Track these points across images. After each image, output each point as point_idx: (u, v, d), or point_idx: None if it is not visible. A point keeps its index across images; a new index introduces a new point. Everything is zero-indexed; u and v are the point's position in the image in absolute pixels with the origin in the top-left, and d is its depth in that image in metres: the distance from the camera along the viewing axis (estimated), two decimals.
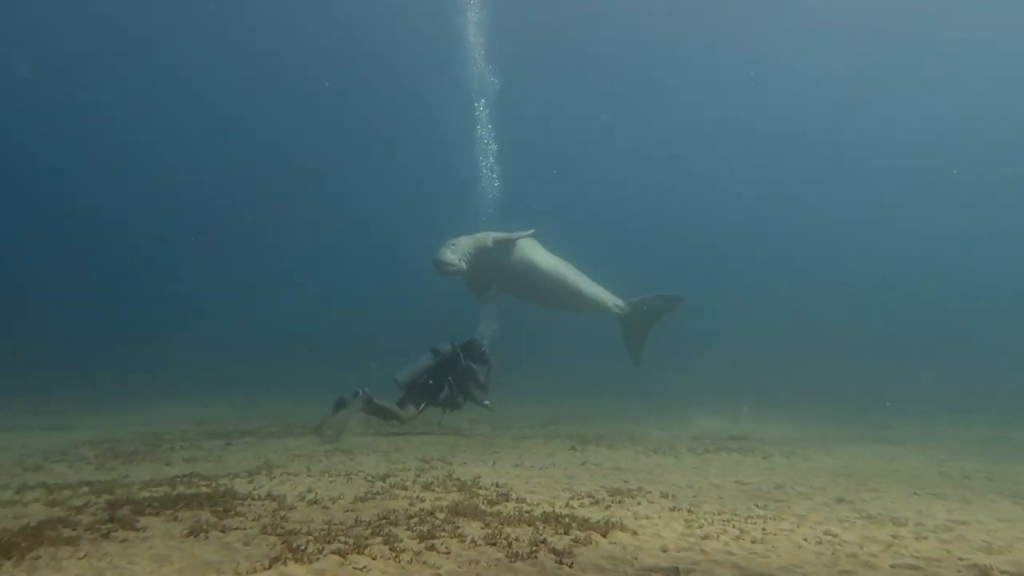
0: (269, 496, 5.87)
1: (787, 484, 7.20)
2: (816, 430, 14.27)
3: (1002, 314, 38.12)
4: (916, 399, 20.60)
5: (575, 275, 15.54)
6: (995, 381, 23.50)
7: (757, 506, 5.99)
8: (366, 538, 4.43)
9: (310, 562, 3.96)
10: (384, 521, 4.94)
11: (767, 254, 47.44)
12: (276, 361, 32.64)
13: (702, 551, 4.39)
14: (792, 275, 43.90)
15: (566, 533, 4.67)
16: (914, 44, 47.91)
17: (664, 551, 4.38)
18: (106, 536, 4.50)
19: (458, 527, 4.78)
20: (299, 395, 20.98)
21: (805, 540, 4.74)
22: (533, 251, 14.84)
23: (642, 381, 21.22)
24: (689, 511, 5.64)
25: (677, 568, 4.00)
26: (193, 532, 4.60)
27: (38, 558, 4.03)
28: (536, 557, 4.13)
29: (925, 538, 4.96)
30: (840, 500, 6.40)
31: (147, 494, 5.91)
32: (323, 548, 4.20)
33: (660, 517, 5.37)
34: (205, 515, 5.09)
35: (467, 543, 4.40)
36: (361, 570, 3.87)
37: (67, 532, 4.56)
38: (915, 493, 6.99)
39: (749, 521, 5.31)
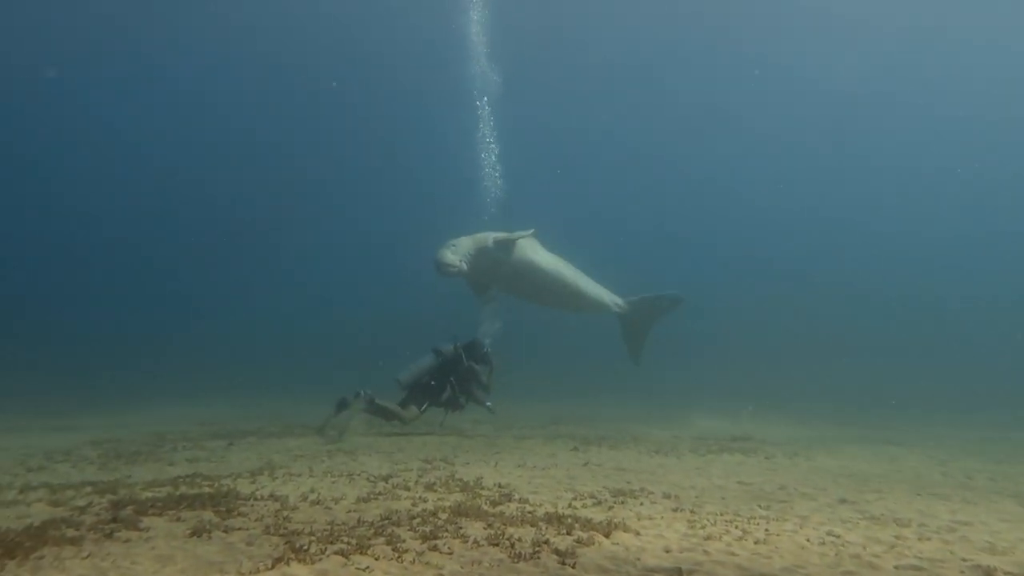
0: (272, 496, 5.87)
1: (790, 485, 7.20)
2: (818, 431, 14.26)
3: (1002, 314, 38.14)
4: (917, 399, 20.61)
5: (575, 274, 15.53)
6: (995, 381, 23.51)
7: (760, 507, 5.98)
8: (369, 538, 4.43)
9: (313, 562, 3.95)
10: (387, 521, 4.94)
11: (767, 254, 47.46)
12: (276, 361, 32.67)
13: (705, 552, 4.38)
14: (792, 275, 43.90)
15: (569, 534, 4.66)
16: (913, 44, 47.96)
17: (667, 552, 4.37)
18: (109, 536, 4.49)
19: (461, 527, 4.77)
20: (299, 395, 20.98)
21: (808, 541, 4.74)
22: (533, 251, 14.82)
23: (643, 381, 21.22)
24: (692, 512, 5.63)
25: (680, 569, 4.00)
26: (196, 532, 4.60)
27: (42, 558, 4.03)
28: (539, 558, 4.12)
29: (928, 539, 4.96)
30: (843, 501, 6.39)
31: (150, 494, 5.91)
32: (326, 548, 4.19)
33: (663, 518, 5.37)
34: (208, 515, 5.09)
35: (470, 543, 4.39)
36: (364, 570, 3.87)
37: (71, 532, 4.56)
38: (918, 494, 6.99)
39: (752, 522, 5.30)
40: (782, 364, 27.85)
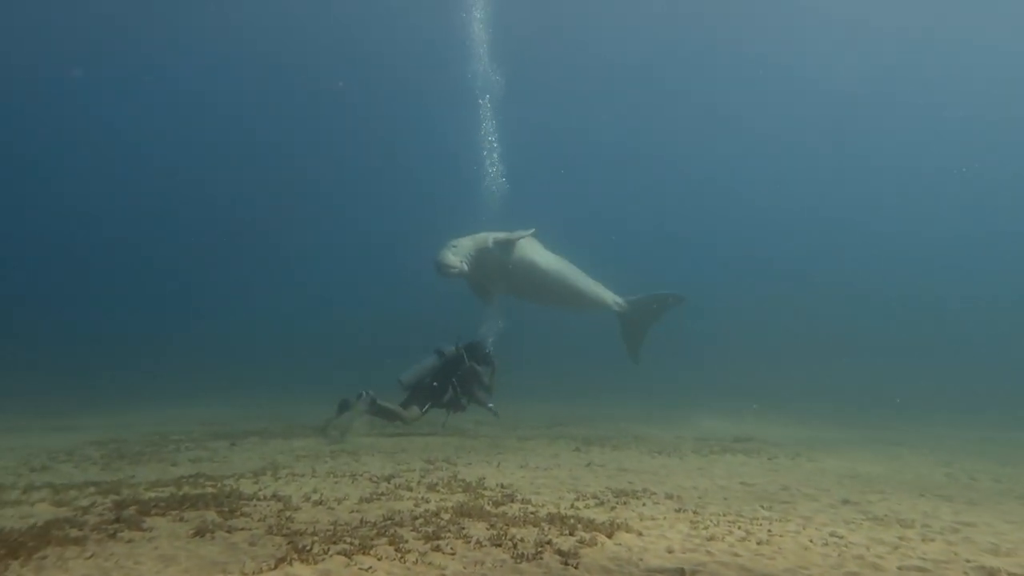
0: (274, 497, 5.86)
1: (793, 485, 7.18)
2: (819, 431, 14.25)
3: (1002, 314, 38.18)
4: (917, 400, 20.62)
5: (575, 273, 15.55)
6: (995, 381, 23.51)
7: (763, 507, 5.97)
8: (371, 539, 4.42)
9: (316, 563, 3.95)
10: (389, 522, 4.93)
11: (767, 254, 47.51)
12: (276, 361, 32.68)
13: (708, 552, 4.37)
14: (792, 275, 43.94)
15: (571, 534, 4.66)
16: (913, 44, 47.99)
17: (670, 552, 4.36)
18: (112, 536, 4.49)
19: (463, 528, 4.77)
20: (299, 395, 21.01)
21: (811, 542, 4.73)
22: (534, 251, 14.84)
23: (643, 381, 21.26)
24: (694, 512, 5.62)
25: (683, 569, 3.99)
26: (199, 532, 4.59)
27: (45, 558, 4.02)
28: (541, 558, 4.12)
29: (932, 540, 4.95)
30: (846, 502, 6.38)
31: (153, 494, 5.90)
32: (328, 549, 4.19)
33: (665, 518, 5.36)
34: (211, 515, 5.08)
35: (472, 544, 4.39)
36: (366, 571, 3.86)
37: (74, 532, 4.55)
38: (921, 495, 6.97)
39: (755, 522, 5.29)
40: (782, 364, 27.87)
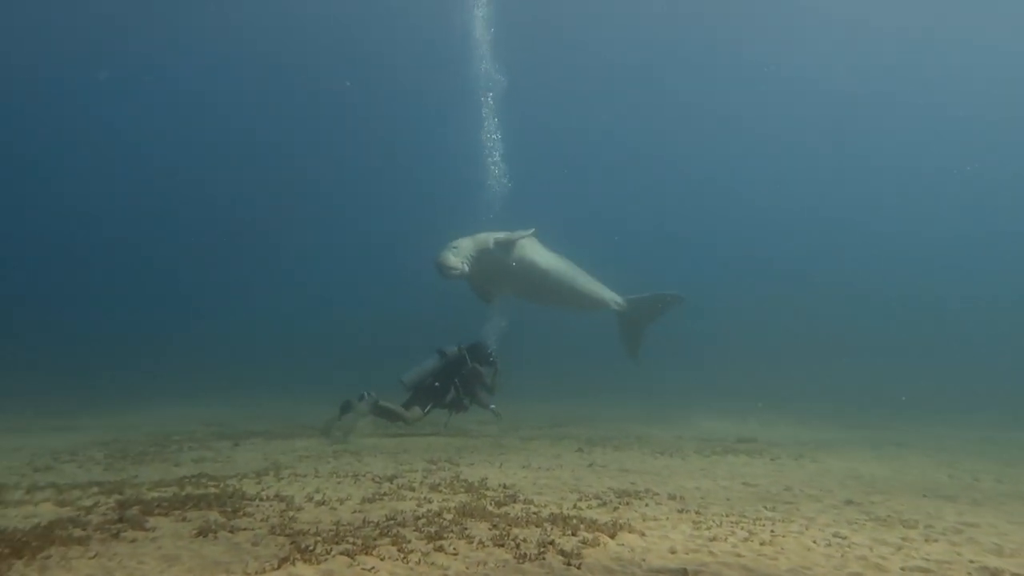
0: (277, 497, 5.87)
1: (795, 486, 7.18)
2: (821, 431, 14.25)
3: (1002, 314, 38.19)
4: (917, 400, 20.61)
5: (575, 273, 15.54)
6: (995, 381, 23.51)
7: (765, 508, 5.97)
8: (374, 539, 4.42)
9: (318, 563, 3.95)
10: (392, 522, 4.93)
11: (767, 254, 47.51)
12: (276, 361, 32.68)
13: (710, 553, 4.37)
14: (792, 275, 43.94)
15: (574, 534, 4.66)
16: (913, 45, 48.00)
17: (672, 553, 4.37)
18: (116, 536, 4.49)
19: (466, 528, 4.77)
20: (299, 395, 21.01)
21: (814, 542, 4.73)
22: (534, 251, 14.82)
23: (643, 381, 21.24)
24: (697, 513, 5.62)
25: (685, 570, 4.00)
26: (202, 532, 4.59)
27: (49, 557, 4.03)
28: (544, 558, 4.12)
29: (935, 540, 4.95)
30: (849, 502, 6.38)
31: (156, 494, 5.91)
32: (331, 549, 4.19)
33: (668, 519, 5.36)
34: (214, 515, 5.08)
35: (475, 544, 4.39)
36: (369, 571, 3.86)
37: (77, 532, 4.56)
38: (924, 495, 6.97)
39: (757, 523, 5.29)
40: (782, 364, 27.87)
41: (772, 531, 5.02)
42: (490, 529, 4.77)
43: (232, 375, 27.17)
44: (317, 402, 15.60)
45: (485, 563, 4.03)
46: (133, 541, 4.41)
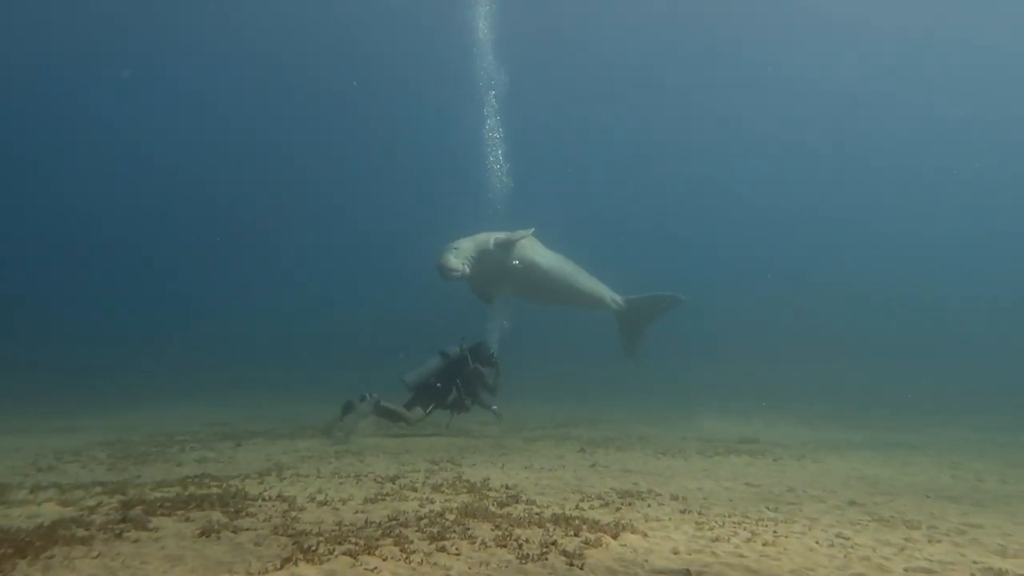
0: (280, 497, 5.87)
1: (798, 487, 7.18)
2: (823, 432, 14.25)
3: (1002, 314, 38.17)
4: (917, 400, 20.60)
5: (575, 272, 15.55)
6: (995, 381, 23.49)
7: (768, 509, 5.96)
8: (376, 539, 4.43)
9: (321, 563, 3.95)
10: (394, 522, 4.94)
11: (767, 254, 47.48)
12: (276, 361, 32.67)
13: (713, 554, 4.37)
14: (792, 275, 43.92)
15: (576, 535, 4.66)
16: (913, 45, 48.01)
17: (675, 553, 4.36)
18: (119, 536, 4.50)
19: (468, 528, 4.77)
20: (299, 395, 21.01)
21: (817, 543, 4.73)
22: (534, 251, 14.82)
23: (644, 381, 21.22)
24: (700, 513, 5.62)
25: (688, 570, 4.00)
26: (205, 532, 4.60)
27: (52, 557, 4.03)
28: (546, 559, 4.12)
29: (938, 541, 4.95)
30: (852, 503, 6.37)
31: (159, 494, 5.91)
32: (334, 549, 4.20)
33: (670, 519, 5.36)
34: (217, 516, 5.09)
35: (477, 544, 4.39)
36: (372, 571, 3.87)
37: (80, 532, 4.57)
38: (927, 496, 6.96)
39: (760, 524, 5.29)
40: (782, 364, 27.85)
41: (775, 532, 5.02)
42: (492, 529, 4.77)
43: (232, 375, 27.16)
44: (318, 402, 15.59)
45: (487, 563, 4.03)
46: (136, 541, 4.42)
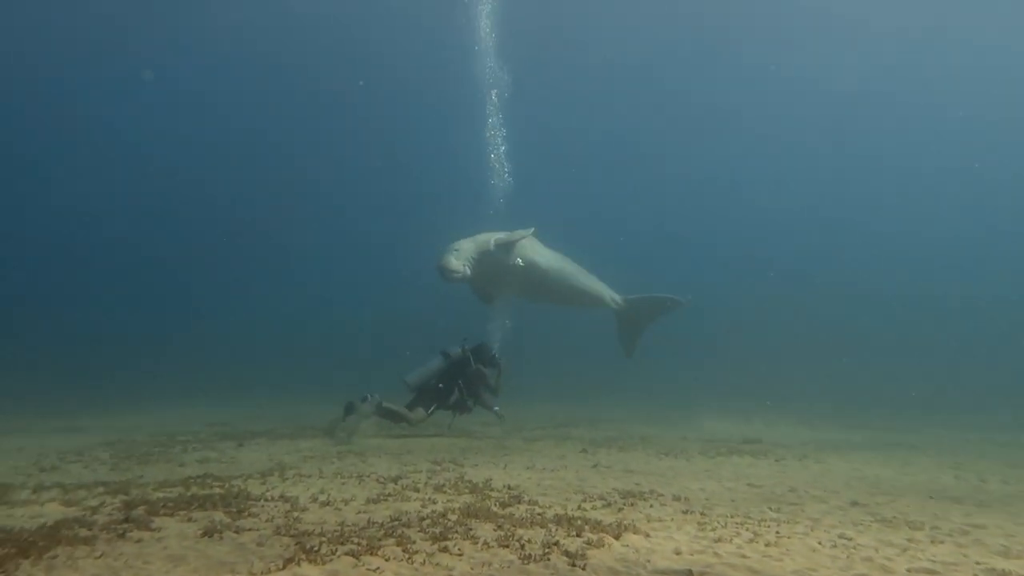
0: (282, 497, 5.88)
1: (800, 487, 7.18)
2: (824, 432, 14.26)
3: (1002, 314, 38.16)
4: (918, 400, 20.61)
5: (575, 271, 15.55)
6: (996, 381, 23.50)
7: (770, 509, 5.96)
8: (379, 539, 4.43)
9: (323, 563, 3.96)
10: (396, 523, 4.93)
11: (767, 254, 47.46)
12: (276, 361, 32.67)
13: (715, 554, 4.37)
14: (792, 275, 43.93)
15: (578, 535, 4.66)
16: (913, 45, 47.98)
17: (677, 554, 4.36)
18: (122, 536, 4.51)
19: (470, 529, 4.77)
20: (299, 395, 21.03)
21: (819, 544, 4.72)
22: (534, 251, 14.80)
23: (645, 381, 21.25)
24: (702, 514, 5.62)
25: (691, 571, 3.99)
26: (207, 533, 4.61)
27: (55, 557, 4.04)
28: (549, 559, 4.12)
29: (941, 542, 4.94)
30: (854, 503, 6.37)
31: (161, 495, 5.93)
32: (336, 549, 4.20)
33: (673, 520, 5.36)
34: (219, 516, 5.10)
35: (480, 545, 4.40)
36: (374, 571, 3.87)
37: (83, 532, 4.57)
38: (930, 496, 6.95)
39: (762, 524, 5.29)
40: (782, 364, 27.86)
41: (777, 532, 5.02)
42: (495, 530, 4.77)
43: (232, 375, 27.18)
44: (319, 403, 15.61)
45: (490, 564, 4.03)
46: (139, 541, 4.42)
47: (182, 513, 5.15)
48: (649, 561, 4.16)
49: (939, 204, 51.56)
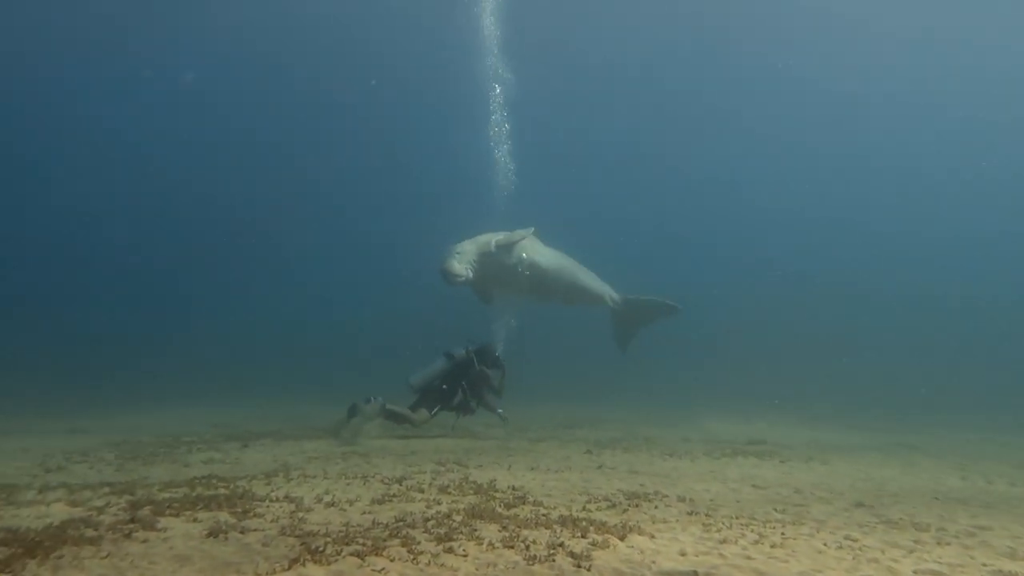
0: (287, 498, 5.88)
1: (805, 489, 7.18)
2: (826, 433, 14.26)
3: (1002, 314, 38.18)
4: (921, 401, 20.62)
5: (575, 269, 15.56)
6: (996, 382, 23.51)
7: (776, 510, 5.95)
8: (384, 540, 4.42)
9: (329, 563, 3.96)
10: (401, 523, 4.93)
11: (767, 254, 47.50)
12: (276, 361, 32.66)
13: (720, 555, 4.37)
14: (793, 275, 43.95)
15: (583, 536, 4.65)
16: (914, 45, 48.01)
17: (682, 555, 4.36)
18: (127, 536, 4.50)
19: (475, 530, 4.77)
20: (300, 396, 21.02)
21: (825, 545, 4.72)
22: (535, 250, 14.80)
23: (649, 382, 21.26)
24: (707, 515, 5.62)
25: (696, 572, 3.99)
26: (213, 533, 4.60)
27: (61, 557, 4.04)
28: (554, 560, 4.11)
29: (948, 544, 4.94)
30: (860, 505, 6.36)
31: (167, 495, 5.92)
32: (341, 550, 4.19)
33: (677, 521, 5.35)
34: (224, 516, 5.10)
35: (484, 546, 4.39)
36: (379, 572, 3.86)
37: (89, 532, 4.57)
38: (936, 498, 6.95)
39: (768, 525, 5.28)
40: (783, 365, 27.87)
41: (783, 534, 5.02)
42: (500, 531, 4.76)
43: (232, 376, 27.16)
44: (320, 403, 15.61)
45: (495, 564, 4.03)
46: (145, 541, 4.41)
47: (187, 513, 5.15)
48: (654, 562, 4.16)
49: (939, 204, 51.58)
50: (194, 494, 5.95)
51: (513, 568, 3.98)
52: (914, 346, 33.71)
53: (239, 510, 5.28)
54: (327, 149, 52.18)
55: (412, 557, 4.11)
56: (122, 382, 23.84)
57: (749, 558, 4.32)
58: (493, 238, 14.19)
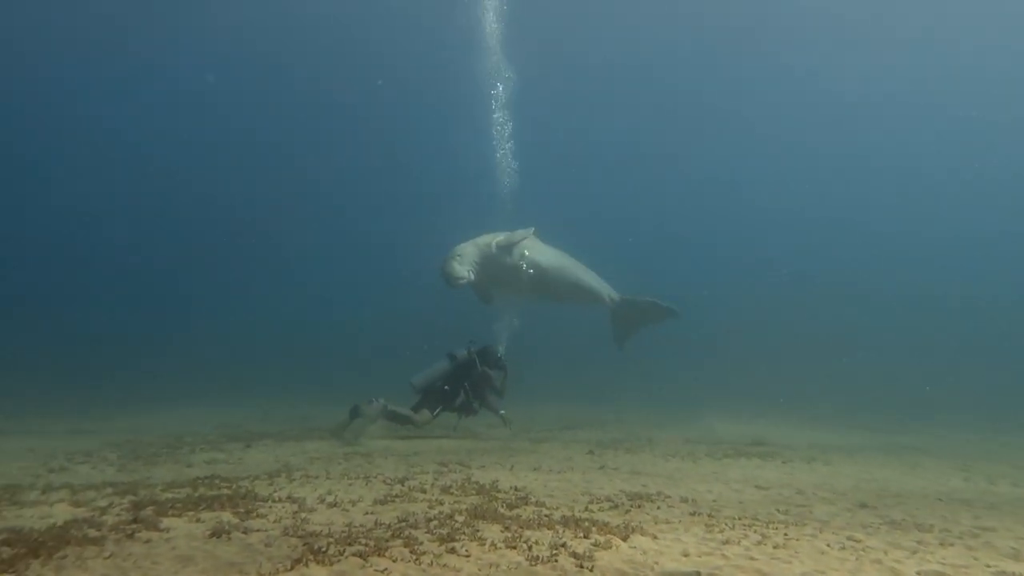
0: (289, 498, 5.88)
1: (808, 490, 7.17)
2: (828, 433, 14.27)
3: (1002, 314, 38.17)
4: (922, 402, 20.61)
5: (575, 268, 15.56)
6: (996, 382, 23.51)
7: (778, 511, 5.95)
8: (386, 540, 4.42)
9: (331, 564, 3.96)
10: (404, 524, 4.93)
11: (767, 254, 47.48)
12: (276, 361, 32.65)
13: (723, 556, 4.36)
14: (793, 276, 43.94)
15: (586, 537, 4.65)
16: (914, 45, 48.02)
17: (685, 556, 4.35)
18: (130, 536, 4.51)
19: (478, 530, 4.77)
20: (300, 396, 21.01)
21: (828, 546, 4.71)
22: (535, 250, 14.80)
23: (650, 382, 21.25)
24: (709, 516, 5.61)
25: (698, 572, 3.98)
26: (215, 533, 4.60)
27: (64, 557, 4.04)
28: (556, 561, 4.11)
29: (951, 545, 4.93)
30: (863, 505, 6.36)
31: (170, 495, 5.93)
32: (344, 550, 4.19)
33: (680, 522, 5.35)
34: (227, 516, 5.11)
35: (487, 546, 4.38)
36: (382, 572, 3.86)
37: (92, 532, 4.58)
38: (939, 499, 6.95)
39: (771, 526, 5.27)
40: (783, 365, 27.85)
41: (785, 534, 5.01)
42: (502, 531, 4.76)
43: (232, 376, 27.15)
44: (320, 403, 15.60)
45: (497, 565, 4.03)
46: (147, 542, 4.42)
47: (190, 514, 5.16)
48: (657, 563, 4.15)
49: (939, 204, 51.59)
50: (197, 494, 5.95)
51: (516, 569, 3.97)
52: (914, 346, 33.70)
53: (242, 510, 5.29)
54: (327, 149, 52.18)
55: (415, 557, 4.11)
56: (122, 382, 23.83)
57: (752, 559, 4.31)
58: (493, 239, 14.20)
